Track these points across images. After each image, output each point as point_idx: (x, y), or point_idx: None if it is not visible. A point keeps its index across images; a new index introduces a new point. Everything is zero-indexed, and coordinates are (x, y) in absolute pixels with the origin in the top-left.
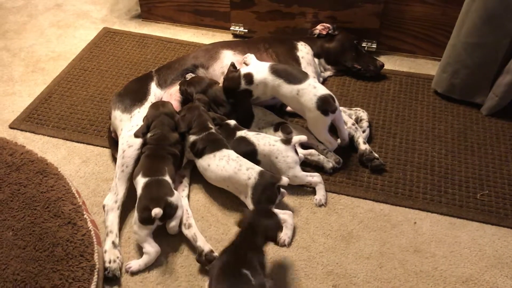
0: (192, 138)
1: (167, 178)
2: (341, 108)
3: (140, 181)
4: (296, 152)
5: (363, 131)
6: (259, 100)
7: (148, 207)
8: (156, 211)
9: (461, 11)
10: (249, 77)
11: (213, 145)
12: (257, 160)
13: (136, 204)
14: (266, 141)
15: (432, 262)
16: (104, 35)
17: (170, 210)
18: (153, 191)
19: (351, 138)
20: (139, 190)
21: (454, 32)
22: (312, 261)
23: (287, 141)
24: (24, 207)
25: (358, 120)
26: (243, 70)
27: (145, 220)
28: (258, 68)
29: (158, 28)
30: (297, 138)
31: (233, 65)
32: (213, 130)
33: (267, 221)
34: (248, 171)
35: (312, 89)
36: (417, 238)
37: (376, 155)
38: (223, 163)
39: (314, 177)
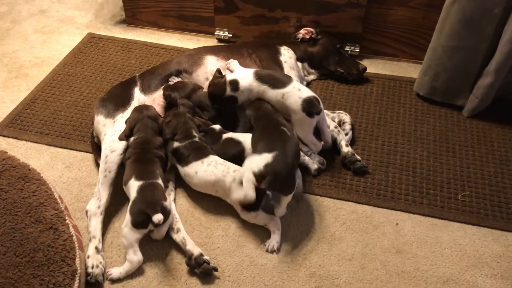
0: (175, 144)
1: (160, 181)
2: (324, 111)
3: (134, 185)
4: None
5: (346, 134)
6: (244, 105)
7: (144, 211)
8: (159, 217)
9: (440, 15)
10: (234, 84)
11: (199, 153)
12: (245, 158)
13: (130, 207)
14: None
15: (413, 263)
16: (89, 40)
17: (165, 215)
18: (148, 194)
19: (334, 141)
20: (133, 194)
21: (435, 36)
22: (294, 263)
23: None
24: (5, 213)
25: (341, 123)
26: (229, 76)
27: (139, 224)
28: (243, 75)
29: (143, 33)
30: None
31: (218, 71)
32: (196, 139)
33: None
34: (235, 173)
35: (296, 92)
36: (399, 239)
37: (358, 157)
38: (211, 168)
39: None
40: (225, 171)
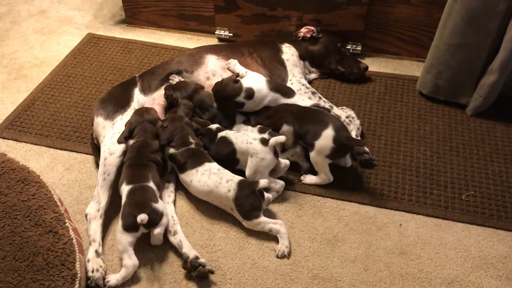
0: (171, 150)
1: (151, 184)
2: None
3: (125, 189)
4: (275, 153)
5: (357, 128)
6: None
7: (132, 213)
8: (142, 217)
9: (443, 13)
10: (250, 92)
11: (194, 160)
12: (237, 159)
13: (121, 212)
14: (244, 138)
15: (417, 264)
16: (88, 41)
17: (155, 217)
18: (137, 197)
19: None
20: (124, 198)
21: (437, 34)
22: (297, 265)
23: (265, 142)
24: (4, 216)
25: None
26: (245, 83)
27: (129, 227)
28: (258, 85)
29: (143, 33)
30: (275, 138)
31: (237, 76)
32: (193, 145)
33: None
34: (228, 184)
35: (301, 102)
36: (403, 240)
37: (366, 149)
38: (204, 178)
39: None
40: (217, 181)
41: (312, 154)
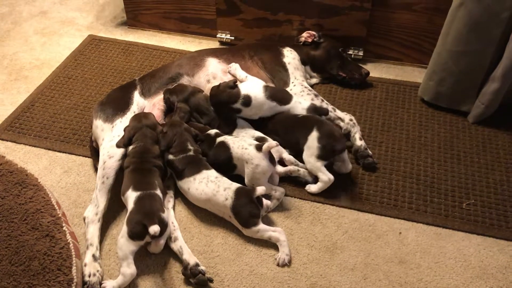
0: (169, 157)
1: (159, 192)
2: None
3: (132, 195)
4: (272, 160)
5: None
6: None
7: (141, 222)
8: (155, 229)
9: (446, 19)
10: (247, 100)
11: (192, 167)
12: (234, 165)
13: (126, 218)
14: (240, 144)
15: (417, 274)
16: (89, 42)
17: (163, 227)
18: (146, 205)
19: (348, 134)
20: (130, 205)
21: (440, 40)
22: (295, 272)
23: (259, 147)
24: (1, 219)
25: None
26: (243, 90)
27: (136, 235)
28: (256, 92)
29: (144, 35)
30: (267, 144)
31: (234, 82)
32: (191, 152)
33: None
34: (225, 192)
35: (298, 105)
36: (402, 248)
37: (370, 152)
38: (202, 186)
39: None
40: (215, 189)
41: (304, 158)
